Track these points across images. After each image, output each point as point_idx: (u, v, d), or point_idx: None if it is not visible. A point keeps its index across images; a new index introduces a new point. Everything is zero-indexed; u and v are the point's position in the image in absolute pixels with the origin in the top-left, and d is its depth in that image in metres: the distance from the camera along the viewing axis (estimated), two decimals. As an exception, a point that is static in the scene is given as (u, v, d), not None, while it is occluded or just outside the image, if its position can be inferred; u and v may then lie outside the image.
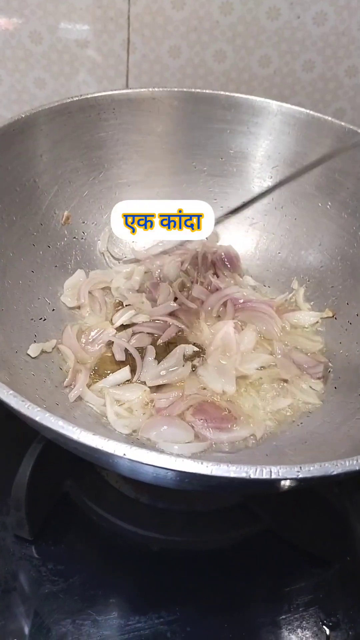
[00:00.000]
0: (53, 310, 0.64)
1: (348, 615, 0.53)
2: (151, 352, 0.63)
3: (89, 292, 0.68)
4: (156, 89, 0.71)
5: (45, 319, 0.62)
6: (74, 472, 0.60)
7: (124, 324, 0.66)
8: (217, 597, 0.54)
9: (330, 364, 0.64)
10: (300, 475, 0.34)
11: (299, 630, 0.52)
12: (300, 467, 0.34)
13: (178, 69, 0.93)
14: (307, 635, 0.52)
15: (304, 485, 0.39)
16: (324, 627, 0.52)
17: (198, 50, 0.91)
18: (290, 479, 0.34)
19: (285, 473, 0.34)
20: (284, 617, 0.53)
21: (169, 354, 0.63)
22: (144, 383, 0.60)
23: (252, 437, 0.57)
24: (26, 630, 0.50)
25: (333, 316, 0.68)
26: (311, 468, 0.34)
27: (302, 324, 0.69)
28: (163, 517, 0.59)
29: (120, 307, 0.69)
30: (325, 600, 0.54)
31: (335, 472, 0.34)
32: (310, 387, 0.62)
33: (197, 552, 0.57)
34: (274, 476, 0.34)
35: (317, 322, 0.69)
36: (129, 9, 0.86)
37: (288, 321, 0.69)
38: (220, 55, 0.92)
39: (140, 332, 0.65)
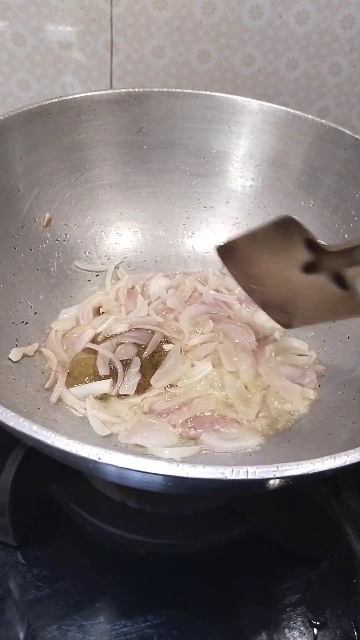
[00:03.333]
0: (35, 313, 0.64)
1: (335, 614, 0.53)
2: (136, 364, 0.62)
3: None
4: (136, 90, 0.71)
5: (27, 323, 0.62)
6: (59, 476, 0.59)
7: (104, 332, 0.65)
8: (204, 600, 0.53)
9: (322, 370, 0.63)
10: (277, 475, 0.34)
11: (286, 631, 0.52)
12: (277, 467, 0.34)
13: (162, 69, 0.93)
14: (295, 636, 0.51)
15: (284, 485, 0.39)
16: (311, 627, 0.52)
17: (182, 50, 0.91)
18: (266, 479, 0.34)
19: (262, 473, 0.34)
20: (271, 617, 0.52)
21: (167, 357, 0.62)
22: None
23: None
24: (11, 637, 0.49)
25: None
26: (287, 468, 0.34)
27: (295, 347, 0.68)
28: (149, 521, 0.59)
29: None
30: (313, 600, 0.54)
31: (311, 471, 0.34)
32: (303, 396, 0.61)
33: (184, 555, 0.57)
34: (250, 476, 0.34)
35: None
36: (111, 10, 0.86)
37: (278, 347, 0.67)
38: (204, 55, 0.92)
39: (124, 343, 0.64)
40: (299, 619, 0.52)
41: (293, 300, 0.57)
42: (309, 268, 0.52)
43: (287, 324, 0.61)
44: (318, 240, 0.50)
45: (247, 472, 0.34)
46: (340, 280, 0.51)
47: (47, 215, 0.69)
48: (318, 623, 0.52)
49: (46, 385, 0.57)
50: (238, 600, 0.54)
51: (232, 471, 0.34)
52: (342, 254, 0.49)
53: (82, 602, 0.52)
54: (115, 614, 0.51)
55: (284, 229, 0.51)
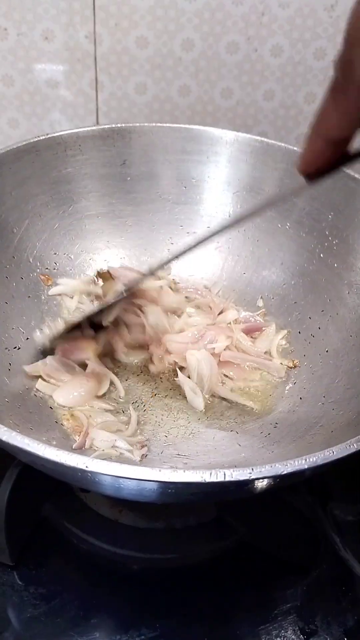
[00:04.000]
0: (27, 339, 0.66)
1: (326, 622, 0.54)
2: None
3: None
4: (118, 125, 0.75)
5: (19, 348, 0.64)
6: (52, 495, 0.61)
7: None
8: (197, 611, 0.54)
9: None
10: (253, 476, 0.36)
11: None
12: (252, 469, 0.36)
13: (145, 104, 0.97)
14: (287, 644, 0.52)
15: (264, 488, 0.41)
16: (302, 635, 0.53)
17: (163, 86, 0.95)
18: (243, 480, 0.36)
19: (238, 475, 0.36)
20: (262, 627, 0.53)
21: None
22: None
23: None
24: (8, 655, 0.50)
25: (294, 367, 0.69)
26: (262, 469, 0.36)
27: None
28: (142, 536, 0.60)
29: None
30: (303, 609, 0.55)
31: (285, 472, 0.37)
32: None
33: (177, 569, 0.58)
34: (227, 478, 0.36)
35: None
36: (95, 50, 0.90)
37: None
38: (184, 90, 0.96)
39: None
40: (290, 627, 0.53)
41: None
42: None
43: None
44: None
45: (225, 474, 0.36)
46: None
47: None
48: (309, 631, 0.54)
49: (74, 446, 0.58)
50: (230, 611, 0.55)
51: (211, 474, 0.36)
52: None
53: (77, 618, 0.53)
54: (110, 629, 0.52)
55: None
